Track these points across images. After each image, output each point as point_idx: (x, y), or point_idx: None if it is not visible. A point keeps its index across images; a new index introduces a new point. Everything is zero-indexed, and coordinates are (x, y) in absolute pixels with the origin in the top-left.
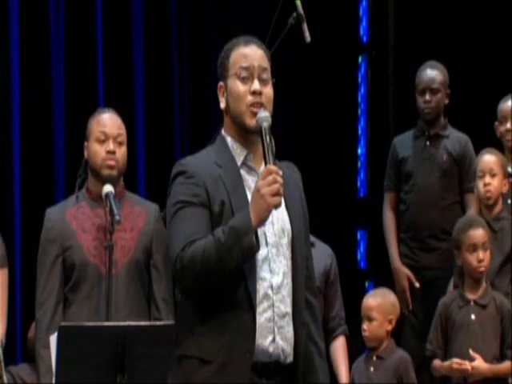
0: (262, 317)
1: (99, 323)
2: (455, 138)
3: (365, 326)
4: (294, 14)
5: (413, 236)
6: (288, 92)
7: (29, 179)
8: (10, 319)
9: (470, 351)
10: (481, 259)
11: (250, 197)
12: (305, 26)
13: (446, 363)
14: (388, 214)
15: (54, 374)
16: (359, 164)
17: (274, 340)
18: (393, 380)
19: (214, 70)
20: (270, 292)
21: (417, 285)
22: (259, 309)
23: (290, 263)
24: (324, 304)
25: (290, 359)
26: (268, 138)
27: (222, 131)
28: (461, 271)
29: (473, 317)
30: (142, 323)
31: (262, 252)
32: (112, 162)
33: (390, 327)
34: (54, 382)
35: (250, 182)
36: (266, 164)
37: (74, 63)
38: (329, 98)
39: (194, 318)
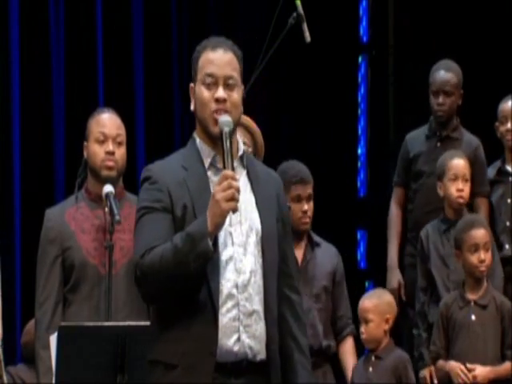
0: (226, 317)
1: (99, 323)
2: (466, 142)
3: (362, 328)
4: (294, 14)
5: (417, 236)
6: (288, 92)
7: (29, 179)
8: (10, 319)
9: (468, 364)
10: (482, 259)
11: None
12: (305, 26)
13: (450, 364)
14: (394, 210)
15: (54, 373)
16: (359, 164)
17: (239, 339)
18: (392, 380)
19: None
20: (234, 291)
21: (403, 298)
22: (223, 309)
23: (260, 261)
24: (331, 305)
25: (260, 357)
26: (228, 142)
27: (194, 133)
28: (428, 273)
29: (473, 317)
30: (142, 323)
31: (227, 252)
32: (111, 163)
33: (387, 327)
34: (53, 381)
35: (216, 182)
36: (223, 168)
37: (74, 63)
38: (329, 97)
39: (160, 322)
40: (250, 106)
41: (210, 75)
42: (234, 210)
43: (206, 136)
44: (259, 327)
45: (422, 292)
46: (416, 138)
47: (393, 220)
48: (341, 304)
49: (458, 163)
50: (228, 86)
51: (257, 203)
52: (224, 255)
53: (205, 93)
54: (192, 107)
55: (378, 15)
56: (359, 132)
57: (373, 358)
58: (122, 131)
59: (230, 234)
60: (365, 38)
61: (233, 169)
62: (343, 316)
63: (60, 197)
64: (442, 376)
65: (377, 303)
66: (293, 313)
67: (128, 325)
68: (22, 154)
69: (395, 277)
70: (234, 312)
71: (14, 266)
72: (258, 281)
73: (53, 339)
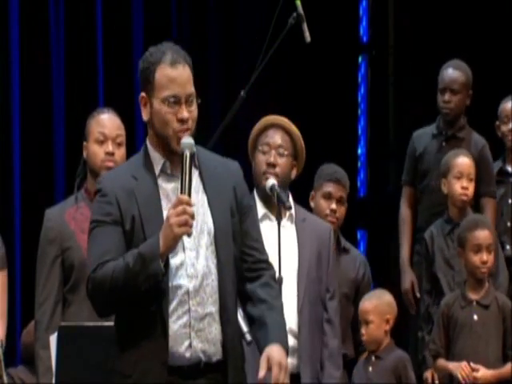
0: (177, 324)
1: (99, 323)
2: (471, 141)
3: (363, 329)
4: (294, 14)
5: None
6: (288, 92)
7: (29, 179)
8: (10, 319)
9: (472, 364)
10: (484, 261)
11: (165, 206)
12: (305, 26)
13: (453, 364)
14: (403, 210)
15: (54, 373)
16: (359, 164)
17: (190, 345)
18: (391, 380)
19: (213, 70)
20: (185, 298)
21: (418, 295)
22: (173, 317)
23: (215, 262)
24: (353, 314)
25: (216, 357)
26: (188, 165)
27: (147, 140)
28: (433, 276)
29: (475, 317)
30: None
31: (178, 259)
32: (111, 164)
33: (387, 327)
34: (53, 381)
35: (168, 189)
36: (181, 192)
37: (73, 63)
38: (329, 97)
39: (116, 331)
40: (250, 105)
41: (173, 95)
42: (188, 235)
43: (160, 145)
44: (213, 329)
45: (426, 295)
46: (423, 136)
47: (402, 220)
48: None
49: (464, 161)
50: (189, 103)
51: (209, 203)
52: (174, 262)
53: (167, 112)
54: (145, 118)
55: (378, 15)
56: (359, 132)
57: (373, 358)
58: (122, 132)
59: (181, 239)
60: (365, 38)
61: (189, 193)
62: None
63: (60, 197)
64: (443, 376)
65: (376, 304)
66: (261, 283)
67: None
68: (22, 154)
69: (408, 277)
70: (185, 318)
71: (13, 266)
72: (211, 283)
73: (53, 339)
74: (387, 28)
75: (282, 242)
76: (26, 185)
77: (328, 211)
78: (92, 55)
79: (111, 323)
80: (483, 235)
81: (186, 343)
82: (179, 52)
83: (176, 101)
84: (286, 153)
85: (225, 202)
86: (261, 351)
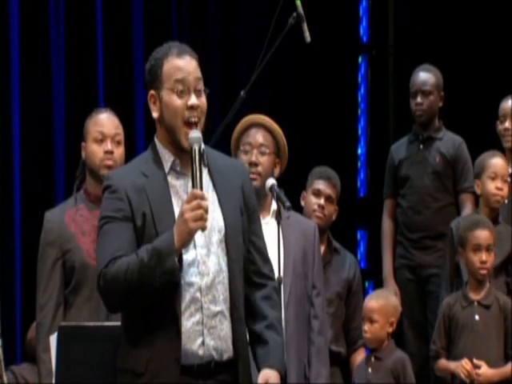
0: (190, 321)
1: (99, 323)
2: (449, 140)
3: (366, 327)
4: (294, 14)
5: (408, 237)
6: (288, 92)
7: (29, 179)
8: (10, 320)
9: (474, 360)
10: (484, 261)
11: (175, 203)
12: (305, 26)
13: (453, 364)
14: (386, 222)
15: (54, 373)
16: (359, 164)
17: (203, 343)
18: (390, 380)
19: (213, 69)
20: (197, 295)
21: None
22: (186, 314)
23: (225, 259)
24: (345, 314)
25: (227, 355)
26: (198, 160)
27: (155, 138)
28: (453, 272)
29: (477, 317)
30: None
31: (190, 256)
32: (110, 162)
33: (390, 329)
34: (53, 382)
35: (178, 187)
36: (193, 187)
37: (73, 63)
38: (329, 97)
39: (125, 330)
40: (249, 105)
41: (182, 82)
42: (203, 229)
43: (170, 142)
44: (224, 327)
45: (450, 285)
46: (399, 147)
47: (385, 232)
48: (356, 315)
49: (498, 162)
50: (197, 92)
51: (219, 201)
52: (185, 259)
53: (176, 101)
54: (155, 115)
55: (377, 15)
56: (359, 132)
57: (373, 359)
58: (120, 130)
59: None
60: (365, 38)
61: (201, 187)
62: (357, 328)
63: (60, 198)
64: (444, 377)
65: (383, 304)
66: (263, 295)
67: None
68: (22, 155)
69: (391, 289)
70: (198, 316)
71: (13, 266)
72: (222, 280)
73: (53, 339)
74: (387, 28)
75: (266, 238)
76: (26, 185)
77: (316, 206)
78: (92, 55)
79: (112, 323)
80: (483, 235)
81: (199, 340)
82: (185, 47)
83: (184, 89)
84: (267, 151)
85: (234, 200)
86: (259, 369)
